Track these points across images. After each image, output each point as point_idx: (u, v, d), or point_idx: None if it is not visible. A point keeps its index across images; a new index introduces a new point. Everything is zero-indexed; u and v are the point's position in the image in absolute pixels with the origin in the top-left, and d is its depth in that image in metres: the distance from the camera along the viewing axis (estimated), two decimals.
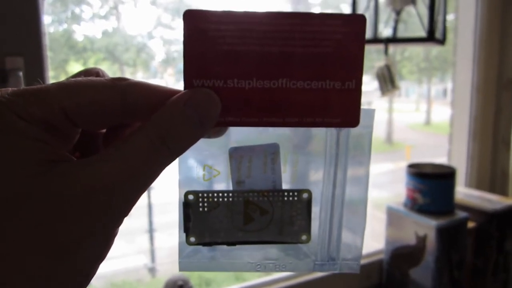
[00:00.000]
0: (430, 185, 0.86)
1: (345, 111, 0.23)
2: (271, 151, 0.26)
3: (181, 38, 0.22)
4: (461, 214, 0.87)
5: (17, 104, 0.18)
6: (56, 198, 0.18)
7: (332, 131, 0.26)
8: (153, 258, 2.65)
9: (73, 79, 0.20)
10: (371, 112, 0.25)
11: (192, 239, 0.27)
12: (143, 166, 0.19)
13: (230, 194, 0.27)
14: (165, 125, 0.20)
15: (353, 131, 0.25)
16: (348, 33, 0.22)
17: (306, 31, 0.22)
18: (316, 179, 0.27)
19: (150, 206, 2.52)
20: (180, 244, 0.27)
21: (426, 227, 0.83)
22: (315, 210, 0.27)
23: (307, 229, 0.26)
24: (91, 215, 0.18)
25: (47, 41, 0.62)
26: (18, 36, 0.58)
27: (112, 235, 0.20)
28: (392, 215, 0.92)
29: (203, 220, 0.27)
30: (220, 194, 0.27)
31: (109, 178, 0.19)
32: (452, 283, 0.86)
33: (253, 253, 0.27)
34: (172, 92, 0.21)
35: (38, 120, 0.18)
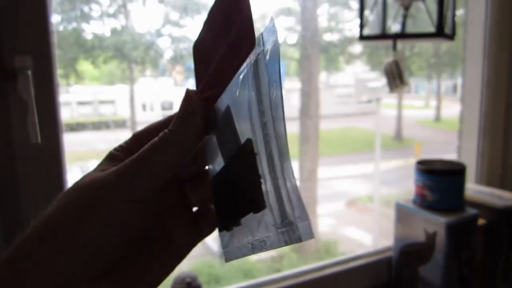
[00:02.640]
0: (440, 182, 0.85)
1: (245, 38, 0.23)
2: (226, 115, 0.26)
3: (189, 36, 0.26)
4: (471, 211, 0.86)
5: (122, 147, 0.30)
6: (87, 182, 0.26)
7: (249, 67, 0.24)
8: None
9: (151, 123, 0.30)
10: (270, 26, 0.23)
11: (220, 224, 0.28)
12: (152, 160, 0.26)
13: (221, 171, 0.28)
14: (169, 128, 0.27)
15: (268, 54, 0.23)
16: None
17: (217, 9, 0.28)
18: (250, 126, 0.24)
19: None
20: (220, 236, 0.28)
21: (436, 224, 0.83)
22: (260, 161, 0.23)
23: (258, 186, 0.23)
24: (102, 190, 0.26)
25: (55, 39, 0.62)
26: (27, 35, 0.58)
27: (128, 207, 0.26)
28: (401, 212, 0.91)
29: (219, 204, 0.28)
30: (218, 174, 0.28)
31: (126, 167, 0.26)
32: (461, 281, 0.85)
33: (248, 235, 0.25)
34: None
35: (128, 151, 0.29)
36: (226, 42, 0.25)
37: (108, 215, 0.25)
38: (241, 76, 0.25)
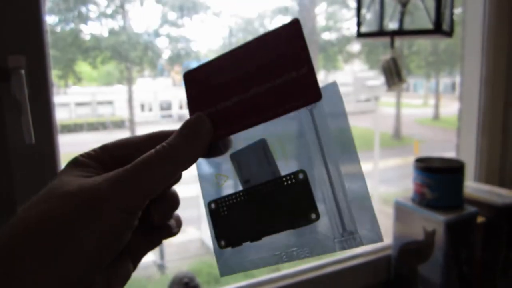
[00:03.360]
0: (439, 179, 0.85)
1: (306, 91, 0.26)
2: (261, 147, 0.30)
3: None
4: (470, 208, 0.86)
5: (91, 154, 0.29)
6: (74, 187, 0.25)
7: (306, 114, 0.29)
8: (162, 255, 2.66)
9: (124, 138, 0.30)
10: (334, 84, 0.28)
11: (222, 242, 0.31)
12: (147, 174, 0.25)
13: (240, 194, 0.30)
14: (168, 142, 0.27)
15: (325, 107, 0.28)
16: (289, 35, 0.27)
17: (258, 49, 0.28)
18: (308, 161, 0.29)
19: None
20: (215, 251, 0.31)
21: (435, 222, 0.82)
22: (316, 189, 0.28)
23: (313, 207, 0.28)
24: (95, 199, 0.25)
25: (52, 40, 0.62)
26: (20, 34, 0.58)
27: (120, 218, 0.25)
28: (400, 210, 0.91)
29: (226, 223, 0.31)
30: (233, 196, 0.30)
31: (118, 177, 0.25)
32: (461, 279, 0.85)
33: (276, 245, 0.29)
34: None
35: (98, 161, 0.29)
36: (274, 85, 0.27)
37: (104, 225, 0.24)
38: (289, 120, 0.29)
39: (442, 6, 0.79)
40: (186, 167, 0.27)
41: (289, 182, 0.28)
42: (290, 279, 0.88)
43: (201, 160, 0.31)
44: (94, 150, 0.29)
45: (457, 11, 1.12)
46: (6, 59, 0.55)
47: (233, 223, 0.30)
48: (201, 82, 0.30)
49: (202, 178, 0.32)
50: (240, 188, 0.30)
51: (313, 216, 0.28)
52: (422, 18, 0.83)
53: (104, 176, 0.25)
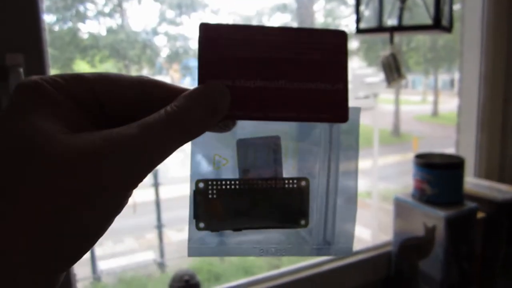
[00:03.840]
0: (438, 175, 0.85)
1: (335, 108, 0.26)
2: (274, 143, 0.29)
3: (194, 41, 0.24)
4: (470, 204, 0.86)
5: (60, 84, 0.22)
6: (70, 153, 0.20)
7: (325, 126, 0.29)
8: (162, 254, 2.67)
9: (105, 72, 0.24)
10: (358, 110, 0.28)
11: (202, 224, 0.29)
12: (157, 142, 0.21)
13: (237, 182, 0.29)
14: (180, 107, 0.22)
15: (343, 126, 0.28)
16: (334, 44, 0.26)
17: (299, 42, 0.26)
18: (312, 170, 0.29)
19: (158, 203, 2.54)
20: (190, 230, 0.29)
21: (435, 218, 0.83)
22: (312, 198, 0.29)
23: (306, 214, 0.29)
24: (100, 173, 0.20)
25: (50, 39, 0.62)
26: (18, 32, 0.58)
27: (122, 196, 0.22)
28: (400, 207, 0.91)
29: (212, 206, 0.29)
30: (228, 182, 0.29)
31: (123, 143, 0.20)
32: (461, 275, 0.85)
33: (256, 238, 0.29)
34: (186, 89, 0.24)
35: (72, 96, 0.22)
36: (305, 87, 0.26)
37: (108, 211, 0.21)
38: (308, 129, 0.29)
39: (441, 1, 0.79)
40: (191, 139, 0.23)
41: (290, 186, 0.29)
42: (290, 276, 0.89)
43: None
44: (63, 78, 0.22)
45: (456, 7, 1.12)
46: (4, 57, 0.55)
47: (220, 208, 0.29)
48: (220, 45, 0.26)
49: (196, 153, 0.29)
50: (237, 176, 0.29)
51: (303, 222, 0.29)
52: (421, 14, 0.82)
53: (104, 136, 0.20)
